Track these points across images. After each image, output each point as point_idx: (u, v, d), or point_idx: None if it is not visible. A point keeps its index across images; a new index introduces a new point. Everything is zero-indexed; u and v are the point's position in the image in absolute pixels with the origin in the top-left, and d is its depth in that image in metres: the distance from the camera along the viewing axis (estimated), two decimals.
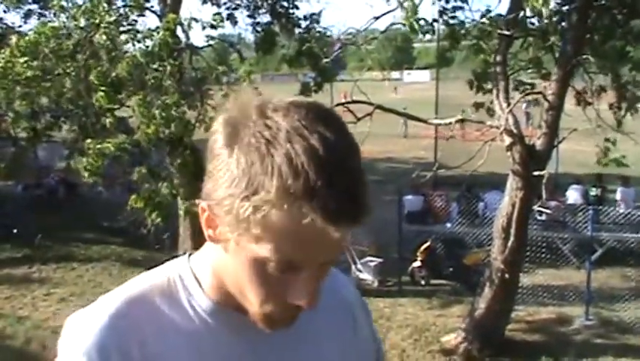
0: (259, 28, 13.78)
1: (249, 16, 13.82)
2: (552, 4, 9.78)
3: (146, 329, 1.18)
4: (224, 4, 13.68)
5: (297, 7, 13.80)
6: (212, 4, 13.60)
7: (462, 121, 9.55)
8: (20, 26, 15.01)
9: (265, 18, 13.85)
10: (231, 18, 13.16)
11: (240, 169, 1.03)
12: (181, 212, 10.81)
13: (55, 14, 10.58)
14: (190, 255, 1.28)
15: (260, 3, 13.74)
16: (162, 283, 1.24)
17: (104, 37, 9.19)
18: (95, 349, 1.14)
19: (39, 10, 14.96)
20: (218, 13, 11.55)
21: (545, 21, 8.13)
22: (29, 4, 15.09)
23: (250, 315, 1.16)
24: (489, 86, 10.36)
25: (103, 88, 9.12)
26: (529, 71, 11.24)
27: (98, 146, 9.07)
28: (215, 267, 1.21)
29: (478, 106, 10.63)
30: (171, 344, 1.18)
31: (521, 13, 8.44)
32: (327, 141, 1.02)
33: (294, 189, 0.99)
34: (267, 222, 1.02)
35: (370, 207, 1.05)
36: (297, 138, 1.01)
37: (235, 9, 13.62)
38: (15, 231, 14.93)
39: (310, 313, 1.21)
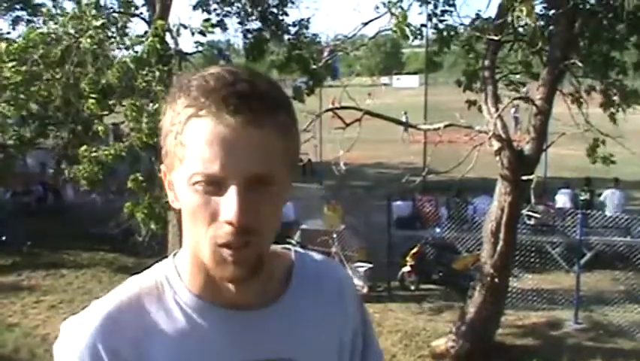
0: (249, 35, 13.78)
1: (239, 22, 13.84)
2: (539, 8, 9.88)
3: (136, 330, 1.22)
4: (215, 10, 13.69)
5: (287, 14, 13.83)
6: (203, 10, 13.61)
7: (450, 126, 9.56)
8: (9, 32, 14.97)
9: (255, 25, 13.86)
10: (221, 24, 13.17)
11: (168, 109, 1.18)
12: (170, 218, 10.77)
13: (44, 22, 10.56)
14: (175, 255, 1.33)
15: (250, 10, 13.75)
16: (150, 285, 1.28)
17: (89, 40, 9.16)
18: (88, 352, 1.19)
19: (27, 17, 14.92)
20: (208, 20, 11.55)
21: (532, 25, 8.18)
22: (17, 10, 15.06)
23: (207, 267, 1.19)
24: (478, 85, 10.40)
25: (93, 95, 9.09)
26: (518, 75, 11.29)
27: (94, 154, 9.04)
28: (186, 242, 1.25)
29: (470, 104, 10.62)
30: (160, 344, 1.22)
31: (509, 18, 8.49)
32: (235, 71, 1.16)
33: (196, 94, 1.13)
34: (183, 140, 1.14)
35: (274, 107, 1.16)
36: (212, 71, 1.17)
37: (225, 16, 13.63)
38: (4, 238, 14.87)
39: (295, 301, 1.32)
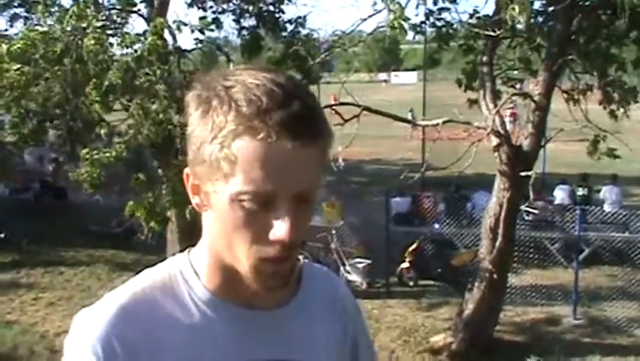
0: (245, 33, 13.73)
1: (234, 20, 13.79)
2: (538, 5, 9.87)
3: (149, 323, 1.23)
4: (210, 7, 13.65)
5: (283, 12, 13.79)
6: (199, 8, 13.56)
7: (449, 122, 9.55)
8: (6, 30, 14.93)
9: (251, 22, 13.81)
10: (217, 22, 13.12)
11: (205, 117, 1.15)
12: (169, 214, 10.77)
13: (40, 19, 10.53)
14: (190, 251, 1.34)
15: (246, 7, 13.70)
16: (163, 278, 1.29)
17: (93, 41, 9.14)
18: (101, 343, 1.19)
19: (25, 14, 14.87)
20: (204, 17, 11.53)
21: (530, 22, 8.18)
22: (15, 7, 15.01)
23: (244, 278, 1.20)
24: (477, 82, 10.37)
25: (98, 99, 9.07)
26: (516, 72, 11.27)
27: (96, 156, 9.02)
28: (209, 244, 1.27)
29: (471, 102, 10.59)
30: (172, 337, 1.23)
31: (505, 16, 8.47)
32: (279, 82, 1.15)
33: (249, 112, 1.11)
34: (231, 155, 1.12)
35: (324, 127, 1.18)
36: (252, 80, 1.14)
37: (221, 13, 13.59)
38: (2, 236, 14.86)
39: (304, 305, 1.35)
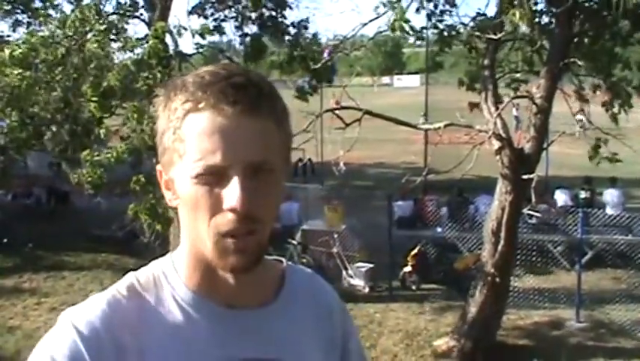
0: (247, 39, 13.73)
1: (236, 27, 13.79)
2: (541, 6, 9.85)
3: (135, 321, 1.24)
4: (212, 15, 13.66)
5: (285, 17, 13.80)
6: (199, 15, 13.57)
7: (451, 125, 9.52)
8: (9, 36, 14.97)
9: (253, 28, 13.81)
10: (218, 29, 13.12)
11: (164, 109, 1.21)
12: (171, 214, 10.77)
13: (42, 23, 10.56)
14: (173, 252, 1.36)
15: (247, 14, 13.70)
16: (147, 280, 1.31)
17: (95, 45, 9.16)
18: (89, 337, 1.19)
19: (27, 20, 14.91)
20: (206, 25, 11.56)
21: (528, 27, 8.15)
22: (17, 13, 15.05)
23: (209, 258, 1.21)
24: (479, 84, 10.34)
25: (95, 99, 9.08)
26: (519, 74, 11.23)
27: (96, 158, 9.03)
28: (185, 238, 1.29)
29: (473, 106, 10.53)
30: (157, 336, 1.23)
31: (505, 21, 8.42)
32: (226, 67, 1.21)
33: (193, 88, 1.17)
34: (182, 134, 1.17)
35: (269, 99, 1.20)
36: (205, 68, 1.21)
37: (223, 21, 13.59)
38: (5, 240, 14.87)
39: (286, 306, 1.35)
